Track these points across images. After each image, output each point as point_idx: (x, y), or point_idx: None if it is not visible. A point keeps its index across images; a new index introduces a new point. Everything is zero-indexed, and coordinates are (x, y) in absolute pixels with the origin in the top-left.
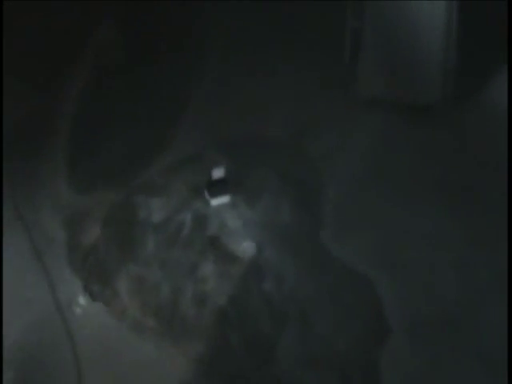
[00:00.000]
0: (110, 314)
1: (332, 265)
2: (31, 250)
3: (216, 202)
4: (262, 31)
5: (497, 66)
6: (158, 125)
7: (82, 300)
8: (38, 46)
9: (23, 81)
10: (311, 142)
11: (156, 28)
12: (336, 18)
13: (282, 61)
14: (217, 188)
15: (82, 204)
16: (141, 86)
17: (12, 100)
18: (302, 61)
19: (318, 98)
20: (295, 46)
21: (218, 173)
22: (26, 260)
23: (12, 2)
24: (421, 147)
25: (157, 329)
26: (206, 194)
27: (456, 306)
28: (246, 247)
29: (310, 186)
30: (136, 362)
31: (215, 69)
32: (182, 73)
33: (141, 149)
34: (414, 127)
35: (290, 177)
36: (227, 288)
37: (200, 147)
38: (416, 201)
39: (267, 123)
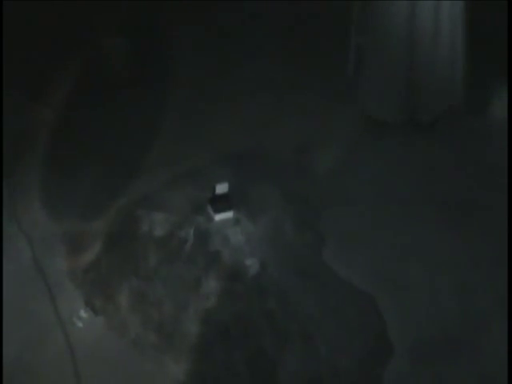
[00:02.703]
0: (111, 329)
1: (335, 283)
2: (32, 263)
3: (219, 217)
4: (265, 45)
5: (497, 82)
6: (159, 138)
7: (84, 314)
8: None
9: (18, 93)
10: (314, 158)
11: (157, 42)
12: (340, 32)
13: (285, 75)
14: (220, 203)
15: (81, 219)
16: (143, 98)
17: (5, 113)
18: (304, 76)
19: (321, 113)
20: (298, 60)
21: (221, 188)
22: (27, 273)
23: (12, 11)
24: (424, 165)
25: (158, 345)
26: (210, 209)
27: (457, 326)
28: (249, 264)
29: (312, 202)
30: (137, 378)
31: (217, 83)
32: (183, 86)
33: (142, 162)
34: (416, 144)
35: (293, 193)
36: (230, 305)
37: (203, 162)
38: (418, 220)
39: (270, 138)
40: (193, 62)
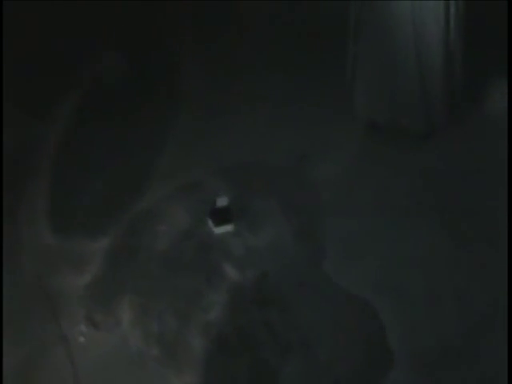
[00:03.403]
0: (113, 344)
1: (335, 294)
2: (34, 278)
3: (219, 230)
4: (264, 57)
5: (496, 90)
6: (159, 152)
7: (85, 328)
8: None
9: (19, 107)
10: (314, 169)
11: (154, 55)
12: (338, 43)
13: (284, 87)
14: (220, 216)
15: (83, 233)
16: (143, 112)
17: (7, 127)
18: (303, 87)
19: (320, 124)
20: (297, 72)
21: (221, 201)
22: (29, 287)
23: (11, 24)
24: (423, 175)
25: (160, 358)
26: (210, 222)
27: (457, 334)
28: (249, 276)
29: (312, 214)
30: None
31: (216, 96)
32: (183, 100)
33: (142, 176)
34: (415, 154)
35: (293, 205)
36: (231, 317)
37: (203, 175)
38: (418, 229)
39: (269, 150)
40: (192, 76)
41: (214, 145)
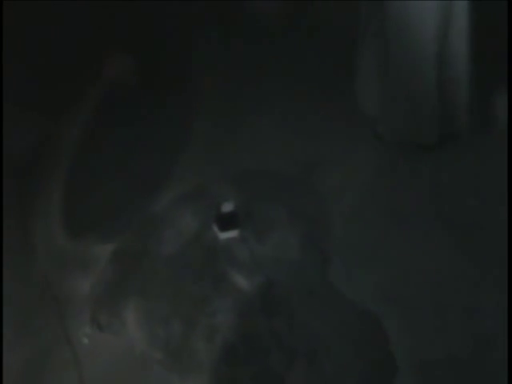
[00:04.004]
0: (118, 346)
1: (341, 303)
2: (40, 278)
3: (225, 235)
4: (272, 65)
5: (498, 94)
6: (166, 157)
7: (90, 330)
8: (44, 71)
9: (28, 109)
10: (320, 177)
11: (165, 59)
12: (346, 50)
13: (292, 95)
14: (226, 222)
15: (89, 235)
16: (150, 117)
17: (18, 127)
18: (312, 96)
19: (328, 132)
20: (305, 80)
21: (227, 207)
22: (35, 287)
23: (22, 24)
24: (429, 184)
25: (164, 362)
26: (215, 227)
27: (464, 347)
28: (255, 283)
29: (318, 222)
30: None
31: (224, 102)
32: (191, 105)
33: (148, 181)
34: (425, 165)
35: (299, 212)
36: (236, 323)
37: (210, 180)
38: (425, 240)
39: (276, 157)
40: (200, 83)
41: (222, 150)
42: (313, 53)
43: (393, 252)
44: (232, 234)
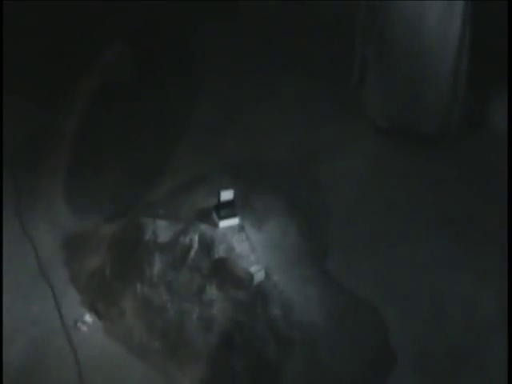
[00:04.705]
0: (116, 335)
1: (338, 293)
2: (37, 267)
3: (224, 224)
4: (273, 57)
5: (497, 93)
6: (165, 146)
7: (88, 318)
8: (44, 63)
9: (28, 98)
10: (318, 167)
11: (163, 52)
12: (345, 43)
13: (291, 87)
14: (225, 210)
15: (87, 224)
16: (147, 108)
17: (16, 116)
18: (311, 87)
19: (326, 124)
20: (305, 72)
21: (226, 195)
22: (32, 277)
23: (20, 17)
24: (428, 177)
25: (162, 351)
26: (214, 216)
27: (460, 337)
28: (253, 271)
29: (317, 212)
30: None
31: (224, 93)
32: (190, 96)
33: (147, 170)
34: (424, 157)
35: (297, 202)
36: (233, 312)
37: (208, 170)
38: (422, 232)
39: (276, 148)
40: (200, 74)
41: (222, 140)
42: (314, 42)
43: (391, 243)
44: (231, 222)
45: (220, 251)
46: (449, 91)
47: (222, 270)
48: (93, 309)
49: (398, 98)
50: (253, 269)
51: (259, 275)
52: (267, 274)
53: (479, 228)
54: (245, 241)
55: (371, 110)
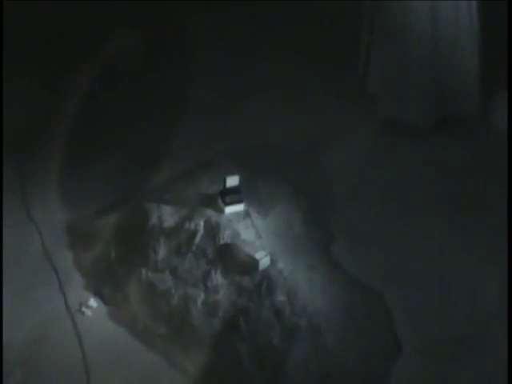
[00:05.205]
0: (121, 319)
1: (344, 280)
2: (42, 251)
3: (229, 210)
4: (275, 42)
5: (498, 86)
6: (170, 131)
7: (93, 303)
8: (46, 47)
9: (30, 82)
10: (322, 154)
11: (164, 38)
12: (352, 30)
13: (298, 73)
14: (231, 196)
15: (92, 208)
16: (155, 92)
17: (18, 100)
18: (317, 74)
19: (333, 111)
20: (311, 59)
21: (232, 181)
22: (36, 261)
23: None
24: (433, 164)
25: (167, 336)
26: (220, 201)
27: (467, 326)
28: (258, 258)
29: (323, 199)
30: (144, 369)
31: (229, 79)
32: (196, 81)
33: (153, 155)
34: (426, 144)
35: (303, 188)
36: (238, 298)
37: (215, 155)
38: (429, 219)
39: (282, 134)
40: (205, 59)
41: (227, 126)
42: (319, 31)
43: (395, 230)
44: (237, 208)
45: (225, 237)
46: (458, 80)
47: (227, 256)
48: (97, 293)
49: (404, 85)
50: (258, 255)
51: (265, 261)
52: (272, 261)
53: (482, 215)
54: (250, 227)
55: (377, 99)
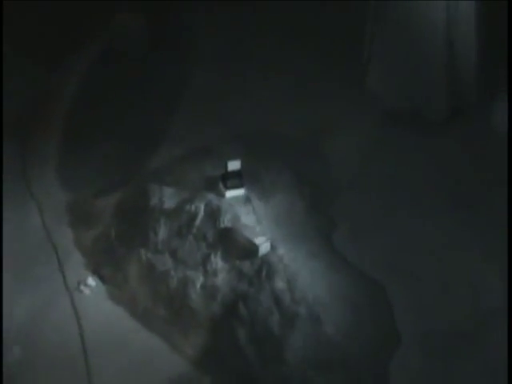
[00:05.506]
0: (120, 300)
1: (345, 269)
2: (42, 230)
3: (230, 194)
4: (279, 31)
5: (499, 83)
6: (173, 115)
7: (92, 282)
8: (49, 25)
9: (32, 62)
10: (327, 141)
11: (171, 24)
12: (356, 20)
13: (301, 62)
14: (232, 181)
15: (93, 188)
16: (159, 75)
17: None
18: (321, 63)
19: (336, 100)
20: (314, 48)
21: (233, 165)
22: (36, 239)
23: None
24: (436, 156)
25: (166, 318)
26: (221, 185)
27: (468, 320)
28: (258, 243)
29: (324, 186)
30: (143, 351)
31: (233, 65)
32: (199, 66)
33: (155, 137)
34: (428, 136)
35: (305, 175)
36: (238, 283)
37: (216, 139)
38: (432, 211)
39: (284, 121)
40: (209, 44)
41: (229, 111)
42: (320, 19)
43: (398, 221)
44: (238, 192)
45: (226, 221)
46: (459, 74)
47: (228, 240)
48: (96, 272)
49: (407, 77)
50: (258, 240)
51: (264, 247)
52: (273, 247)
53: (486, 210)
54: (251, 212)
55: (379, 90)
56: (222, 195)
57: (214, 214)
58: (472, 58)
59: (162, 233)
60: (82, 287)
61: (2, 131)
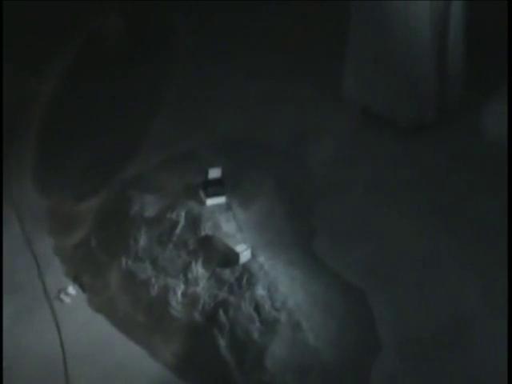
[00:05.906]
0: (100, 307)
1: (325, 276)
2: (21, 237)
3: (211, 202)
4: (264, 36)
5: (496, 85)
6: (154, 120)
7: (72, 290)
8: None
9: (13, 64)
10: (309, 149)
11: (156, 25)
12: (338, 25)
13: (283, 66)
14: (213, 188)
15: (73, 194)
16: (139, 79)
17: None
18: (302, 67)
19: (316, 104)
20: (296, 52)
21: (214, 173)
22: (16, 247)
23: None
24: (413, 161)
25: (147, 326)
26: (202, 193)
27: (446, 325)
28: (239, 251)
29: (305, 193)
30: (123, 358)
31: (214, 70)
32: (180, 71)
33: (136, 143)
34: (406, 140)
35: (287, 183)
36: (219, 291)
37: (198, 147)
38: (411, 218)
39: (265, 127)
40: (191, 49)
41: (210, 117)
42: (303, 26)
43: (378, 229)
44: (218, 200)
45: (206, 228)
46: (442, 79)
47: (208, 248)
48: (77, 280)
49: (383, 85)
50: (239, 248)
51: (245, 255)
52: (253, 255)
53: (471, 217)
54: (232, 220)
55: (356, 95)
56: (203, 203)
57: (194, 221)
58: (460, 59)
59: (143, 240)
60: (63, 296)
61: None
